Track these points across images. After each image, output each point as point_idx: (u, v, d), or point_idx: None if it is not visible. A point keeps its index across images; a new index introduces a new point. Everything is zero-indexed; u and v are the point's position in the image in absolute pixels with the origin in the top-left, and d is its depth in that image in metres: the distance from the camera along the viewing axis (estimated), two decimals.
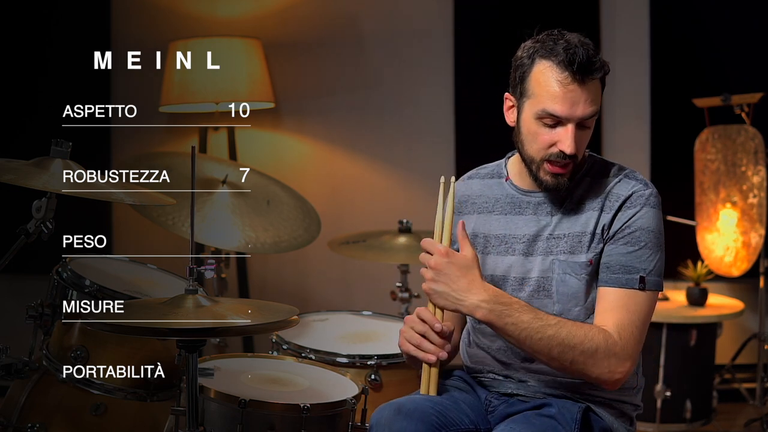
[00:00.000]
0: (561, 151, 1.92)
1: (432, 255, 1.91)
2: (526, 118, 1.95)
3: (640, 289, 1.91)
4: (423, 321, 1.93)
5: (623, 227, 1.93)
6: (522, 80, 1.95)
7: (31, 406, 2.39)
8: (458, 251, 1.93)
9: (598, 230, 1.95)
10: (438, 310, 1.94)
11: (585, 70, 1.89)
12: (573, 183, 2.00)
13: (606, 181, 1.99)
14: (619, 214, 1.94)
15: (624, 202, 1.94)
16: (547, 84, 1.90)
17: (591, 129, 1.96)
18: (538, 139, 1.94)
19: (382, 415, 1.90)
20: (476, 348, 2.10)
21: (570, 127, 1.91)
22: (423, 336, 1.92)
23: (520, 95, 1.96)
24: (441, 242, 1.93)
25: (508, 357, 2.04)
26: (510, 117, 2.01)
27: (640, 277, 1.91)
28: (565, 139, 1.91)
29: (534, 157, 1.96)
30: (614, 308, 1.91)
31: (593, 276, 1.96)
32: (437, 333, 1.91)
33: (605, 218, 1.95)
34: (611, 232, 1.94)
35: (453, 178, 1.98)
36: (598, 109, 1.93)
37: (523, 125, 1.97)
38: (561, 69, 1.89)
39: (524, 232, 2.01)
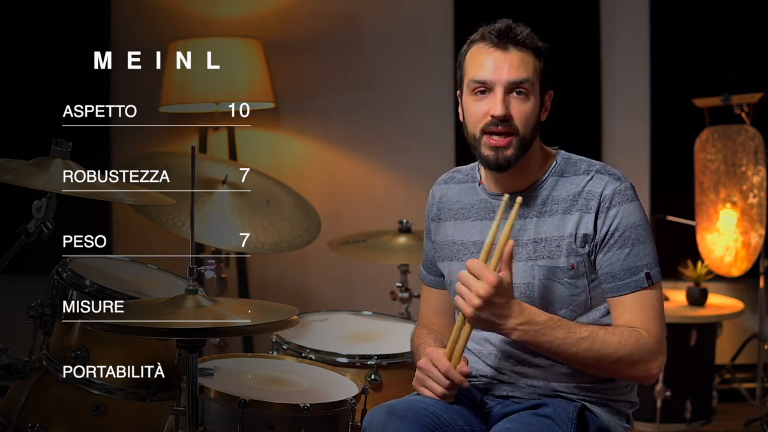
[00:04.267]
0: (492, 116, 1.93)
1: (479, 281, 1.83)
2: (465, 99, 2.00)
3: (649, 286, 1.92)
4: (436, 367, 1.92)
5: (611, 231, 1.92)
6: (460, 70, 2.02)
7: (31, 406, 2.39)
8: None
9: (579, 233, 1.93)
10: (462, 325, 1.93)
11: (503, 36, 1.96)
12: (542, 183, 1.99)
13: (576, 179, 1.97)
14: (600, 217, 1.93)
15: (601, 203, 1.93)
16: (474, 59, 1.98)
17: (531, 102, 1.95)
18: (472, 112, 1.97)
19: (375, 417, 1.89)
20: (467, 352, 2.08)
21: (498, 91, 1.93)
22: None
23: (460, 84, 2.02)
24: (488, 262, 1.88)
25: (499, 362, 2.04)
26: (460, 113, 2.04)
27: (646, 274, 1.92)
28: (494, 104, 1.93)
29: (474, 134, 1.97)
30: (632, 311, 1.92)
31: (577, 279, 1.95)
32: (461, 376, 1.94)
33: (585, 221, 1.93)
34: (599, 239, 1.93)
35: (519, 198, 1.90)
36: (531, 79, 1.94)
37: (464, 109, 2.01)
38: (484, 42, 1.98)
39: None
